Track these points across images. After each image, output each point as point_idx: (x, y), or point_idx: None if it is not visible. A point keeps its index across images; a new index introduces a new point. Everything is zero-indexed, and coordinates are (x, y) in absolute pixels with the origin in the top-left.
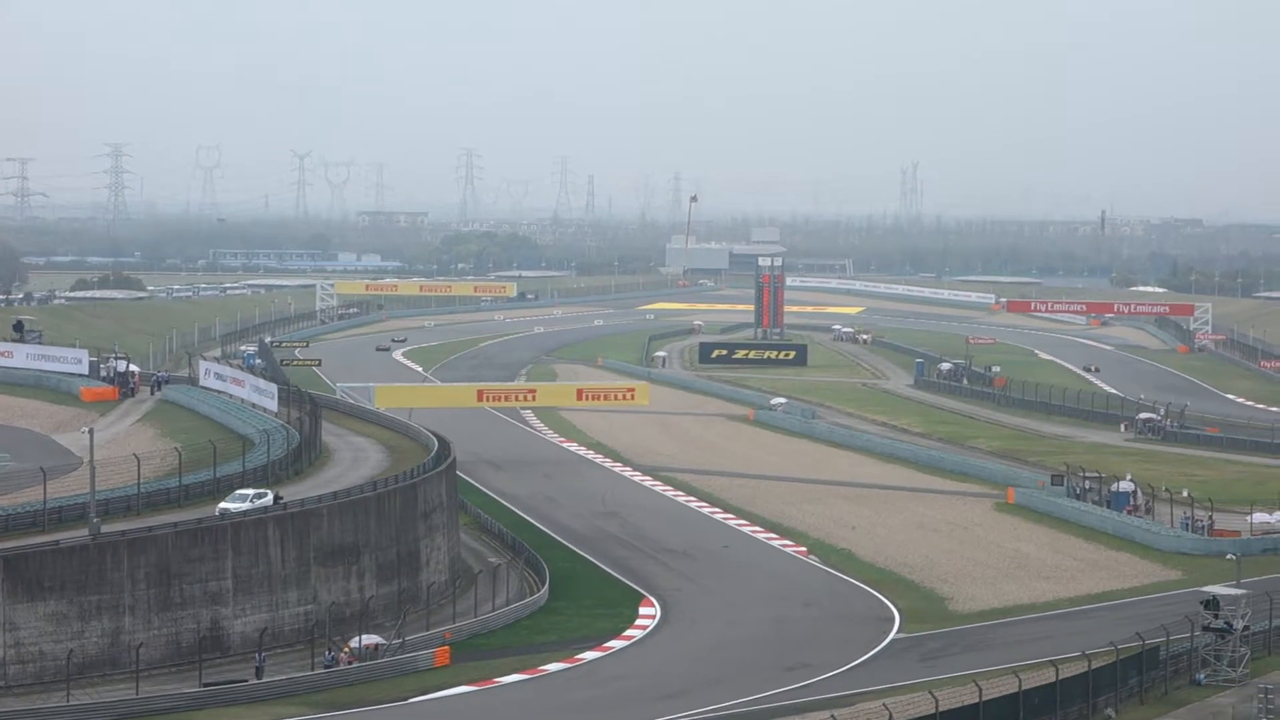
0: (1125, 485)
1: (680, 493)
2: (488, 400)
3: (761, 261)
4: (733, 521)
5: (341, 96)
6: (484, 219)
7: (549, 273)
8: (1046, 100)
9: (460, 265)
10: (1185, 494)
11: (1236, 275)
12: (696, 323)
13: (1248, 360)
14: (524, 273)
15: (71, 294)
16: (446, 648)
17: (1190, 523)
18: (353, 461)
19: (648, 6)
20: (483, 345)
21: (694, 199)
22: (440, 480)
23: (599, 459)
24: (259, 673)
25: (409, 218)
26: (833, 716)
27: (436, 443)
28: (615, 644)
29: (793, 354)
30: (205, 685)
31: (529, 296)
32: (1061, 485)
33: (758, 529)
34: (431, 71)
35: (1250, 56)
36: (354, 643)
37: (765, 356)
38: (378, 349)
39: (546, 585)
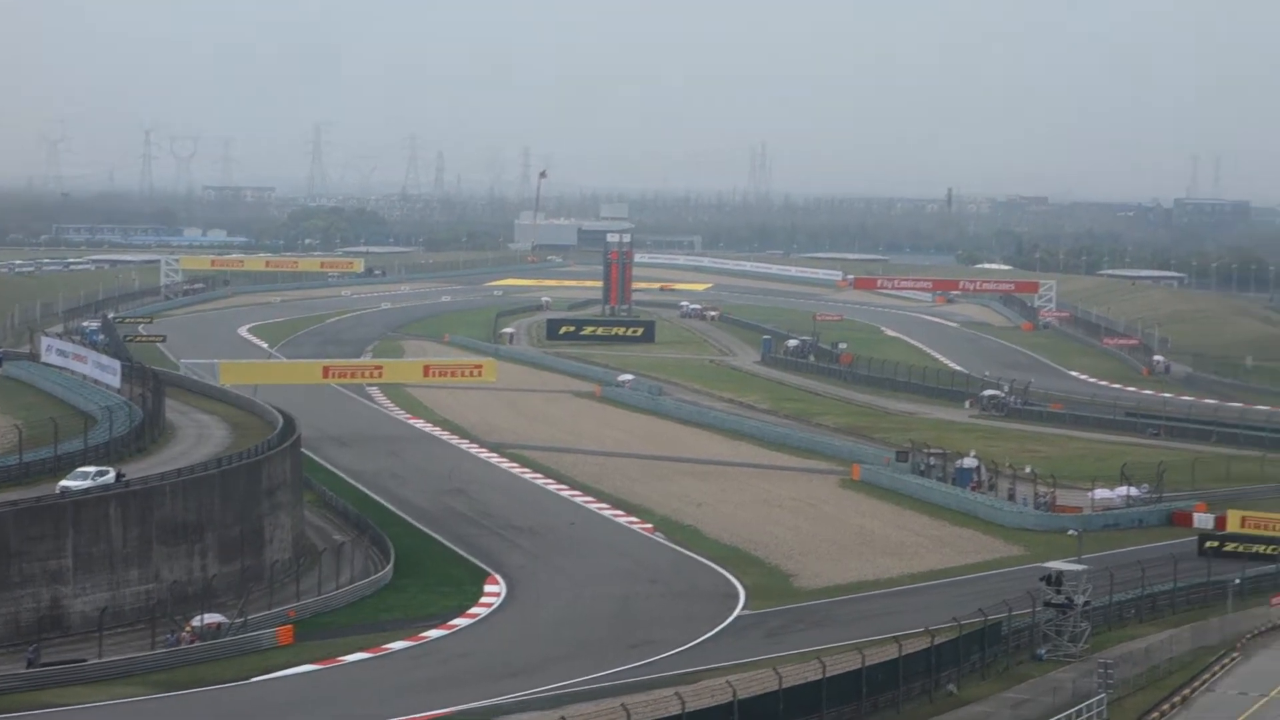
0: (969, 461)
1: (527, 470)
2: (334, 377)
3: (610, 238)
4: (579, 498)
5: (188, 69)
6: (332, 194)
7: (397, 248)
8: (893, 78)
9: (307, 241)
10: (1028, 470)
11: (1081, 253)
12: (545, 299)
13: (1091, 337)
14: (372, 249)
15: None
16: (290, 626)
17: (1011, 493)
18: (196, 439)
19: None
20: (330, 321)
21: (543, 175)
22: (285, 457)
23: (445, 436)
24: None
25: (256, 193)
26: (677, 694)
27: (281, 419)
28: (460, 622)
29: (640, 330)
30: (40, 666)
31: (376, 272)
32: (906, 461)
33: (604, 506)
34: (280, 45)
35: (1094, 34)
36: (195, 621)
37: (613, 333)
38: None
39: (391, 563)
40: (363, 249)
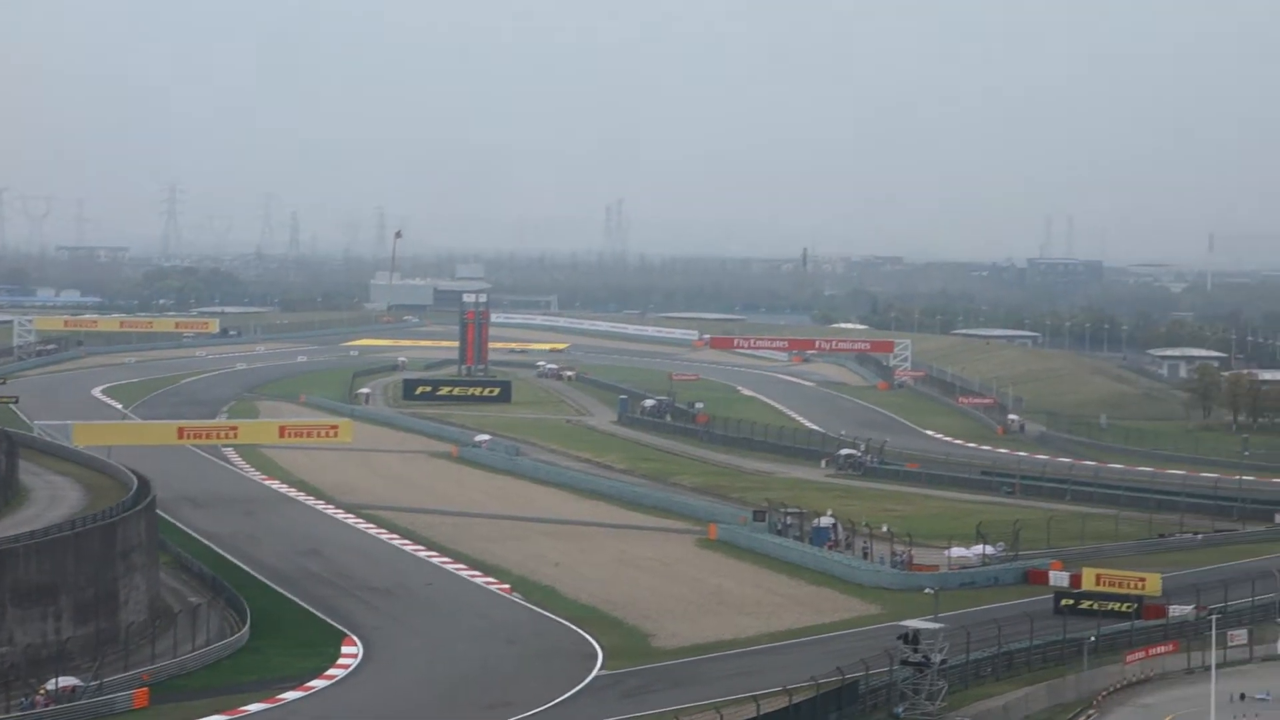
0: (826, 521)
1: (383, 530)
2: (189, 438)
3: (466, 298)
4: (436, 559)
5: (40, 128)
6: (186, 254)
7: (252, 309)
8: (749, 139)
9: (162, 301)
10: (885, 529)
11: (935, 312)
12: (401, 359)
13: (946, 396)
14: (227, 309)
15: None
16: (145, 689)
17: (865, 551)
18: (50, 500)
19: (346, 42)
20: (185, 382)
21: (398, 235)
22: (139, 519)
23: (302, 497)
24: None
25: (110, 253)
26: None
27: (136, 481)
28: (317, 683)
29: (497, 391)
30: None
31: (232, 333)
32: (763, 521)
33: (461, 566)
34: (133, 104)
35: (946, 97)
36: (50, 685)
37: (469, 393)
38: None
39: (247, 625)
40: (218, 309)
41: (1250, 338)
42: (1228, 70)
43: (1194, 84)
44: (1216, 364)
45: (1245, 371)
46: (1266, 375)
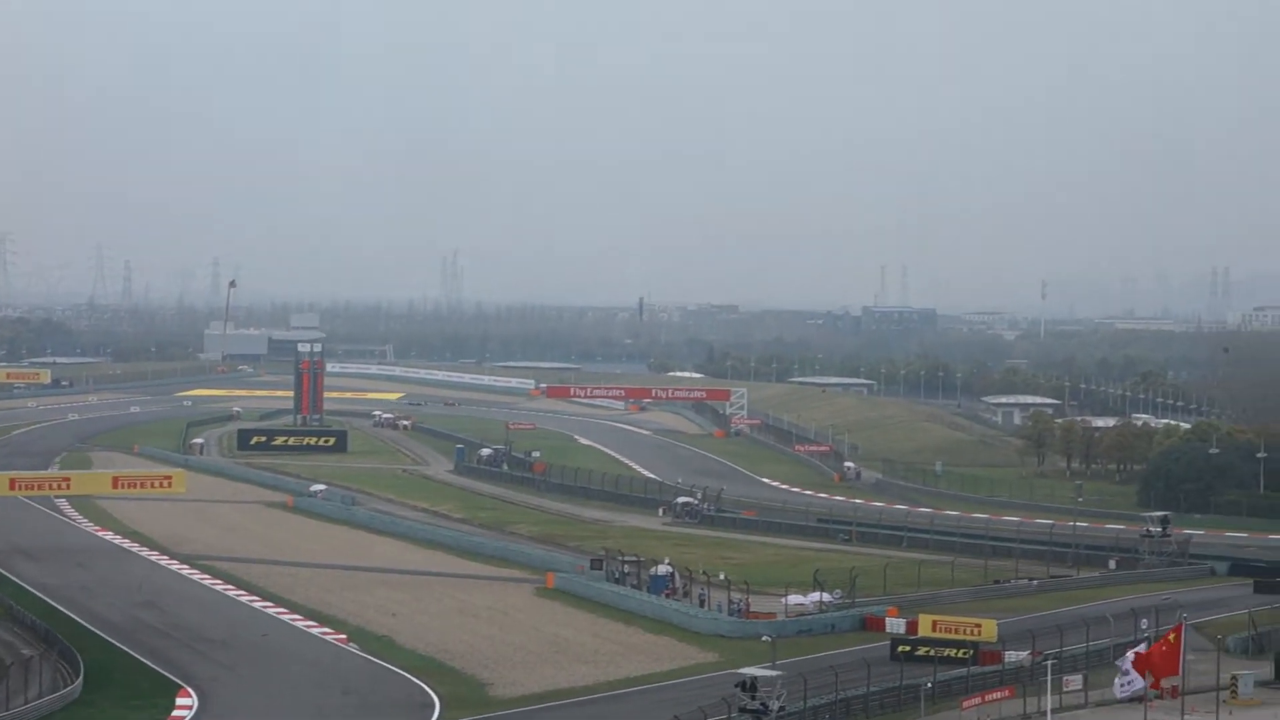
0: (663, 569)
1: (219, 581)
2: (20, 489)
3: (301, 347)
4: (272, 609)
5: None
6: (17, 304)
7: (85, 359)
8: (582, 186)
9: None
10: (722, 577)
11: (771, 360)
12: (235, 409)
13: (782, 444)
14: (59, 359)
15: None
16: None
17: (702, 599)
18: None
19: (174, 96)
20: (15, 433)
21: (232, 284)
22: None
23: (135, 548)
24: None
25: None
26: None
27: None
28: None
29: (333, 440)
30: None
31: (64, 384)
32: (600, 569)
33: (297, 617)
34: None
35: (779, 145)
36: None
37: (305, 443)
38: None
39: (80, 677)
40: (49, 360)
41: (1083, 385)
42: (1059, 121)
43: (1026, 133)
44: (1050, 411)
45: (1078, 418)
46: (1099, 422)
